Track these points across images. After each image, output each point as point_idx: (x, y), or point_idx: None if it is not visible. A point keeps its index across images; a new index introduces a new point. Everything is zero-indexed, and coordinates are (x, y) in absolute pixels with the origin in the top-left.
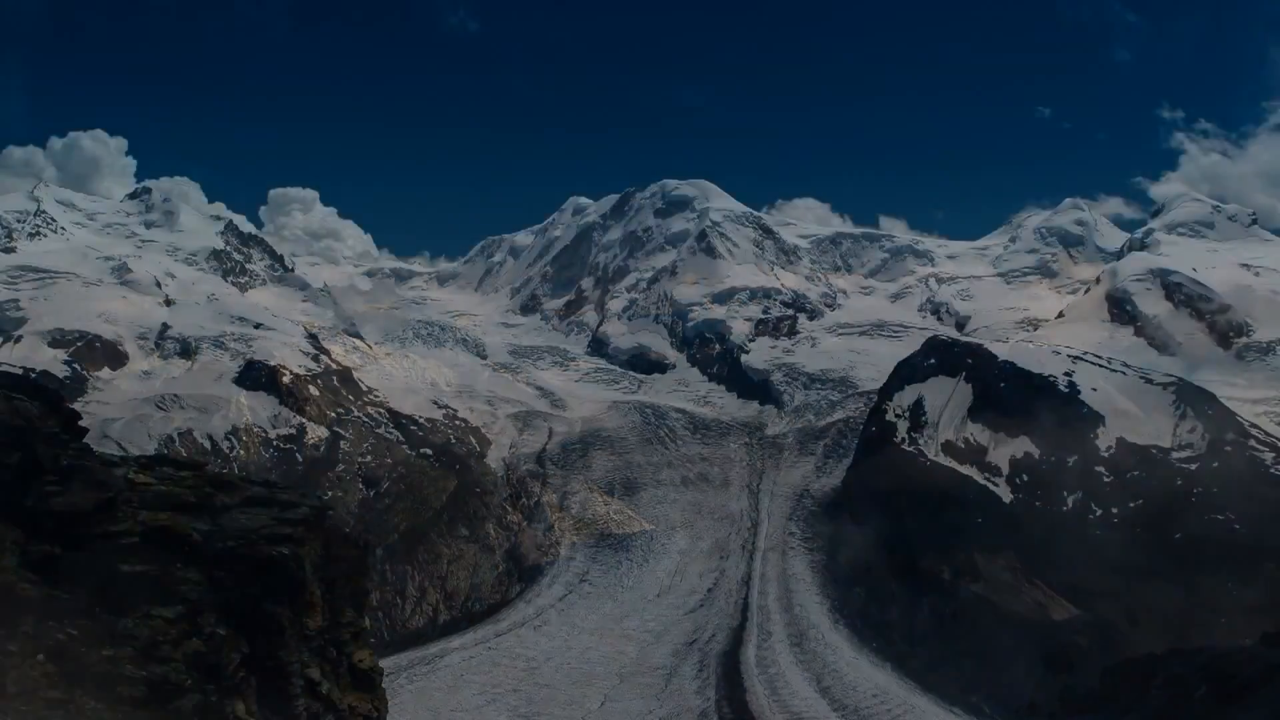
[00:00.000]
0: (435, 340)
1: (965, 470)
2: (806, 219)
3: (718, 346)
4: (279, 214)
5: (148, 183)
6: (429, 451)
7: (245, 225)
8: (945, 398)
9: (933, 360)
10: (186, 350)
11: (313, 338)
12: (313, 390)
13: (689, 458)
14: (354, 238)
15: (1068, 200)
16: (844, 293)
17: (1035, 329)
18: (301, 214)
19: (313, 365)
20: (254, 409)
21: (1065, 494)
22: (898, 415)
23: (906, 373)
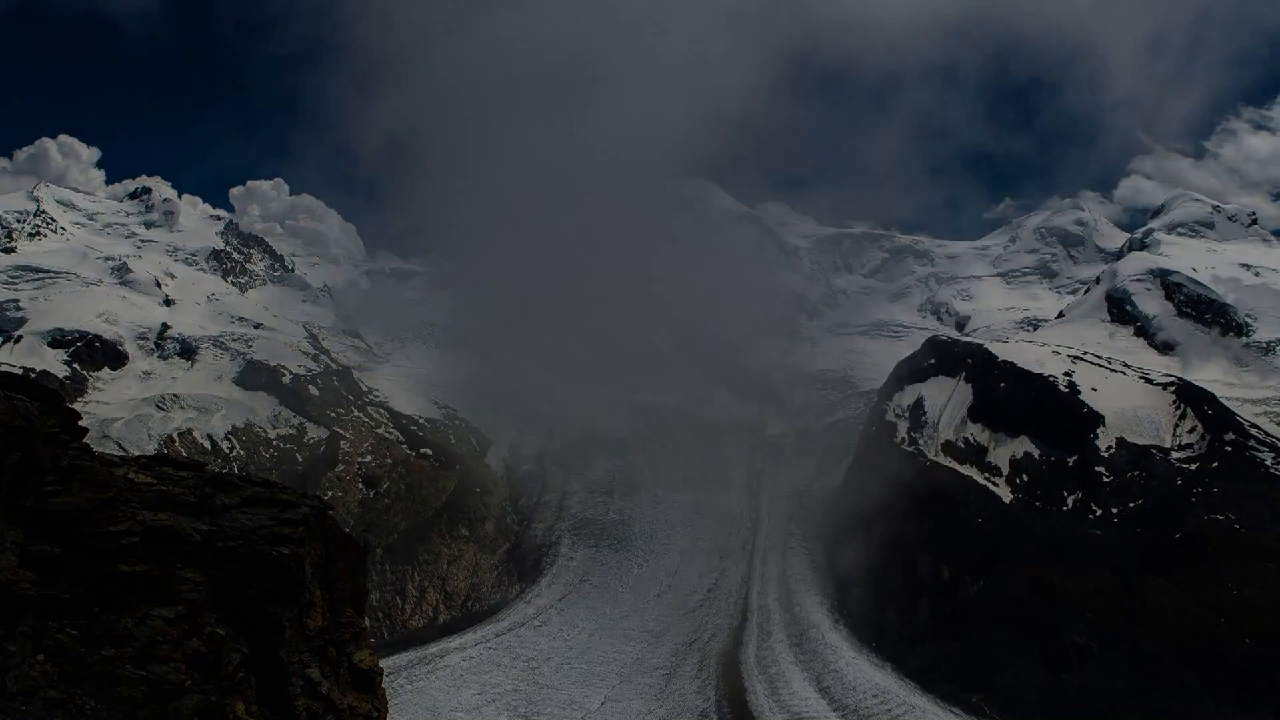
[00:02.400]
0: (435, 340)
1: (965, 470)
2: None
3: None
4: (243, 213)
5: (148, 181)
6: (429, 451)
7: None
8: (945, 398)
9: (933, 360)
10: (186, 350)
11: (313, 338)
12: (313, 390)
13: (689, 458)
14: (337, 225)
15: (1068, 200)
16: (844, 293)
17: (1035, 329)
18: (258, 207)
19: (313, 365)
20: (254, 409)
21: (1065, 494)
22: (898, 415)
23: (906, 373)
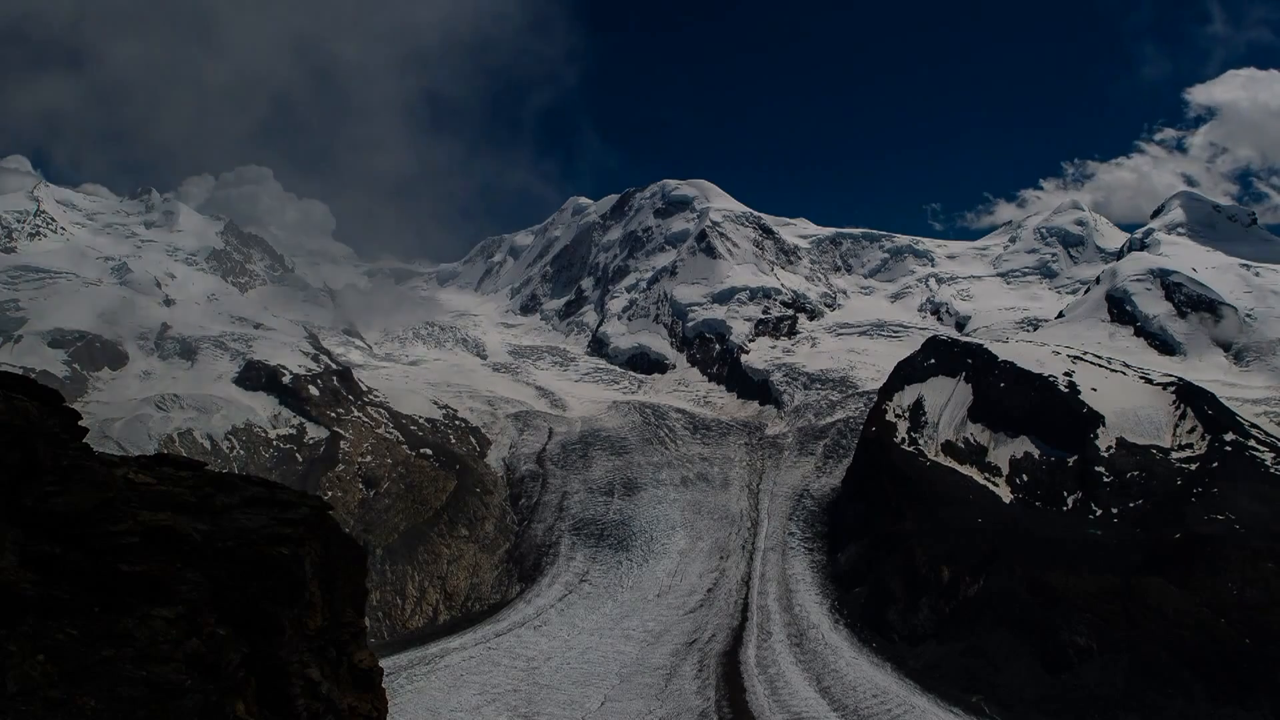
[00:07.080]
0: (435, 340)
1: (965, 470)
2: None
3: (718, 346)
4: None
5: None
6: (429, 451)
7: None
8: (945, 398)
9: (933, 360)
10: (186, 350)
11: (313, 338)
12: (313, 390)
13: (689, 458)
14: (320, 214)
15: (1068, 199)
16: (844, 293)
17: (1035, 329)
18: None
19: (313, 365)
20: (254, 409)
21: (1065, 494)
22: (898, 415)
23: (906, 373)
